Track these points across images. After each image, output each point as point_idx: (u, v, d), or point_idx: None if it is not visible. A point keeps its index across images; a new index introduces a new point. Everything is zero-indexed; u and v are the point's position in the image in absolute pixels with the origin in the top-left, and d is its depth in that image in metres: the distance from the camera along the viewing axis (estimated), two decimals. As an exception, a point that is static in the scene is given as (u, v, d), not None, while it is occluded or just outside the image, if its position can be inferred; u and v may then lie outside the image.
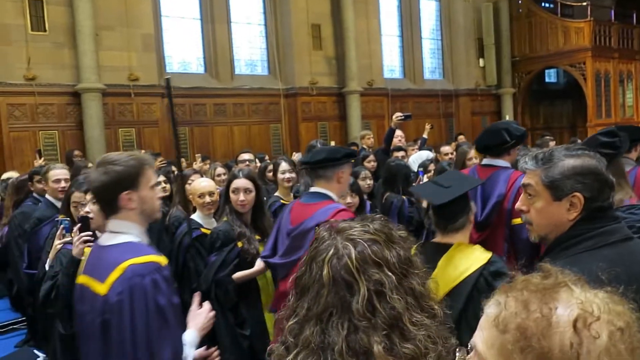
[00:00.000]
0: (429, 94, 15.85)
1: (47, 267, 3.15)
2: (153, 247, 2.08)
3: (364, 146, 7.61)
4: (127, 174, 1.98)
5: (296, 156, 8.39)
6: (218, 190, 3.93)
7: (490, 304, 0.88)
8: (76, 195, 3.47)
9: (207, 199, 3.71)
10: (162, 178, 4.79)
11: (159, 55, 11.65)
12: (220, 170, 5.63)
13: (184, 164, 8.60)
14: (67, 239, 3.09)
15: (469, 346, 0.90)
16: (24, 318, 5.90)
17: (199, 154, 9.90)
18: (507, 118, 16.11)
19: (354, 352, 1.04)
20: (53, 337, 3.36)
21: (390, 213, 4.51)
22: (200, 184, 3.82)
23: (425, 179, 4.69)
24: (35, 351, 4.99)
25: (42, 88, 9.96)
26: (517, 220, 2.92)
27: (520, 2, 16.97)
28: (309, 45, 13.30)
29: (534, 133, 15.36)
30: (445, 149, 6.69)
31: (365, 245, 1.11)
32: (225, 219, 3.40)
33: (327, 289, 1.09)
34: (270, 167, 5.46)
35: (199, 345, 2.09)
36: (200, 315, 2.14)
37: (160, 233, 4.20)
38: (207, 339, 2.23)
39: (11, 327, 5.96)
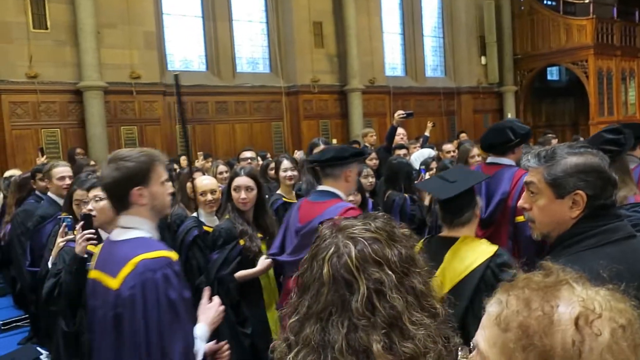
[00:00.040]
0: (431, 91, 15.83)
1: (49, 265, 3.16)
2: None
3: (367, 144, 7.60)
4: (138, 170, 2.00)
5: (298, 154, 8.39)
6: (220, 188, 3.93)
7: (491, 302, 0.88)
8: (78, 193, 3.48)
9: (209, 196, 3.71)
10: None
11: (160, 53, 11.65)
12: (222, 168, 5.63)
13: (185, 162, 8.62)
14: (70, 236, 3.10)
15: (471, 345, 0.90)
16: (26, 315, 5.92)
17: (201, 152, 9.91)
18: (509, 116, 16.09)
19: (353, 350, 1.04)
20: (56, 334, 3.37)
21: (392, 211, 4.51)
22: (202, 182, 3.82)
23: (427, 177, 4.69)
24: (38, 348, 5.02)
25: (44, 86, 9.98)
26: (521, 218, 2.93)
27: (522, -1, 16.97)
28: (311, 42, 13.29)
29: (536, 131, 15.32)
30: (447, 146, 6.68)
31: (366, 243, 1.11)
32: (227, 216, 3.40)
33: (327, 287, 1.09)
34: (272, 165, 5.46)
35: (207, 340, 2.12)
36: (210, 309, 2.17)
37: (162, 231, 4.20)
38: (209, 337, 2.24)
39: (14, 324, 5.98)
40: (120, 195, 2.02)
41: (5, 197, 6.05)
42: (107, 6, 10.43)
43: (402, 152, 6.13)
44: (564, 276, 0.86)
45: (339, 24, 13.55)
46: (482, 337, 0.87)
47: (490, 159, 3.50)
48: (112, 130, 10.60)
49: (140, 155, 2.03)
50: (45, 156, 7.89)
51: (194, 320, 2.06)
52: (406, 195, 4.65)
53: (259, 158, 6.95)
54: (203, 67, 12.63)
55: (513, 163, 3.39)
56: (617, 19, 16.53)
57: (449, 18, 16.60)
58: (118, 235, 2.07)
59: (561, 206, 1.65)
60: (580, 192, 1.62)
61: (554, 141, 7.08)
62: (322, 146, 4.25)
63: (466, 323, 2.09)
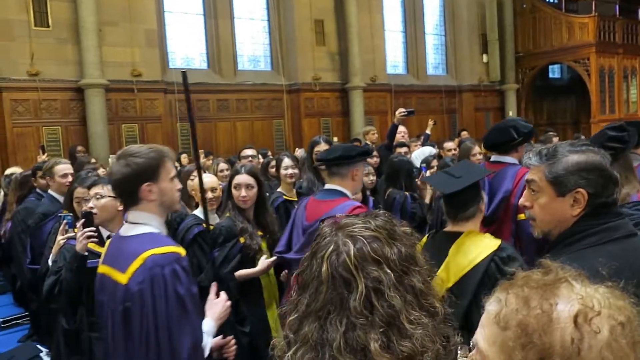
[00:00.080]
0: (432, 89, 15.82)
1: (50, 263, 3.16)
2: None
3: (368, 142, 7.59)
4: (147, 166, 2.02)
5: (299, 152, 8.39)
6: (221, 186, 3.92)
7: (491, 301, 0.88)
8: (79, 191, 3.48)
9: (210, 194, 3.70)
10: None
11: (162, 50, 11.66)
12: (223, 165, 5.63)
13: (185, 160, 8.63)
14: (70, 234, 3.10)
15: (471, 344, 0.90)
16: (27, 313, 5.93)
17: (202, 150, 9.92)
18: (511, 114, 16.09)
19: (351, 349, 1.03)
20: (56, 332, 3.37)
21: (393, 209, 4.51)
22: (204, 180, 3.82)
23: (427, 175, 4.68)
24: (39, 346, 5.03)
25: (46, 84, 9.99)
26: (523, 216, 2.94)
27: (524, -3, 16.94)
28: (312, 40, 13.28)
29: (537, 129, 15.28)
30: (448, 144, 6.66)
31: (365, 242, 1.11)
32: (227, 214, 3.40)
33: (326, 285, 1.09)
34: (273, 162, 5.46)
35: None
36: (217, 304, 2.19)
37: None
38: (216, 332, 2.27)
39: (14, 322, 5.99)
40: (129, 191, 2.04)
41: (6, 195, 6.05)
42: (109, 4, 10.44)
43: (403, 150, 6.12)
44: (562, 274, 0.86)
45: (340, 21, 13.54)
46: (482, 335, 0.87)
47: (493, 158, 3.53)
48: (113, 128, 10.61)
49: (149, 152, 2.05)
50: (46, 154, 7.90)
51: (201, 316, 2.08)
52: (407, 193, 4.65)
53: (259, 156, 6.95)
54: (204, 65, 12.64)
55: (516, 161, 3.41)
56: (619, 16, 16.49)
57: (451, 16, 16.58)
58: (127, 230, 2.09)
59: (562, 204, 1.65)
60: (581, 190, 1.61)
61: (555, 139, 7.07)
62: (323, 144, 4.25)
63: (470, 317, 2.10)
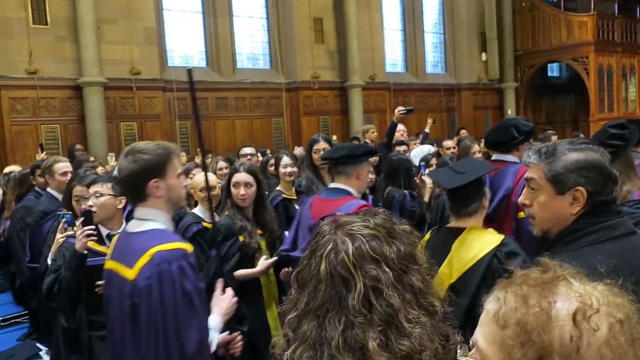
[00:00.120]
0: (431, 88, 15.81)
1: (49, 261, 3.16)
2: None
3: (367, 140, 7.59)
4: (155, 163, 2.03)
5: (298, 150, 8.39)
6: (220, 185, 3.92)
7: (489, 299, 0.88)
8: (78, 189, 3.47)
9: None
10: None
11: (160, 48, 11.64)
12: (222, 164, 5.63)
13: (184, 159, 8.62)
14: (70, 232, 3.10)
15: (471, 343, 0.90)
16: (26, 312, 5.92)
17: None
18: (510, 112, 16.10)
19: (350, 347, 1.03)
20: (56, 330, 3.38)
21: (392, 207, 4.51)
22: (202, 178, 3.82)
23: (426, 173, 4.69)
24: (38, 344, 5.03)
25: (44, 82, 9.97)
26: (524, 214, 2.95)
27: (523, -5, 16.94)
28: (311, 38, 13.27)
29: (536, 127, 15.23)
30: (448, 143, 6.67)
31: (364, 240, 1.10)
32: (226, 213, 3.40)
33: (325, 284, 1.09)
34: (272, 161, 5.46)
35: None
36: (223, 300, 2.22)
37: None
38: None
39: (14, 320, 5.98)
40: (137, 187, 2.05)
41: (4, 193, 6.05)
42: (107, 2, 10.42)
43: (402, 148, 6.13)
44: (561, 272, 0.86)
45: (339, 20, 13.52)
46: (481, 334, 0.87)
47: (494, 156, 3.55)
48: (111, 126, 10.60)
49: (157, 148, 2.06)
50: (45, 152, 7.89)
51: (207, 312, 2.10)
52: (406, 191, 4.65)
53: (258, 154, 6.94)
54: (203, 63, 12.62)
55: (517, 160, 3.42)
56: (618, 15, 16.50)
57: (450, 14, 16.57)
58: (134, 226, 2.11)
59: (561, 202, 1.65)
60: (580, 188, 1.62)
61: (554, 138, 7.08)
62: (322, 142, 4.24)
63: (473, 312, 2.10)
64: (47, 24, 9.99)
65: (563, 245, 1.65)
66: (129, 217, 3.49)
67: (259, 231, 3.41)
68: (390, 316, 1.05)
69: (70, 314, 3.05)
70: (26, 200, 5.06)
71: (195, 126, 2.54)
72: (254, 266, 3.28)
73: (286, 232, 3.86)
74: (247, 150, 6.06)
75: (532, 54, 16.84)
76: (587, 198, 1.62)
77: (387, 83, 14.63)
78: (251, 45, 13.30)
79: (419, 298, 1.10)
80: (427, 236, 2.60)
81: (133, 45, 10.87)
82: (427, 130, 8.39)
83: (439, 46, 16.78)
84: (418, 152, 6.49)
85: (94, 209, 2.88)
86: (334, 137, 12.08)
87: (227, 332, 2.19)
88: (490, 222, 3.27)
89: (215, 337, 2.07)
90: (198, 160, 8.31)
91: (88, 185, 3.13)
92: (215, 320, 2.12)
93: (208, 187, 2.73)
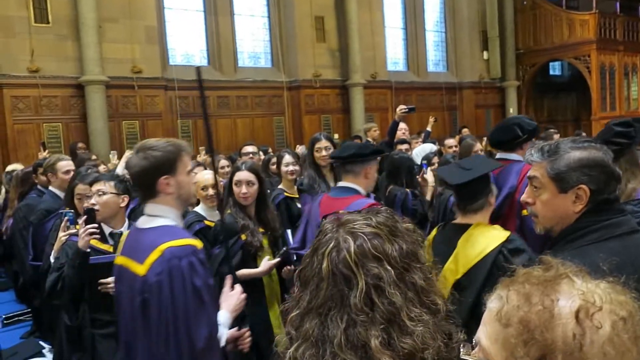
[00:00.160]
0: (433, 86, 15.80)
1: (51, 259, 3.17)
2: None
3: (369, 139, 7.59)
4: (165, 159, 2.05)
5: (299, 149, 8.38)
6: (222, 183, 3.92)
7: (492, 298, 0.88)
8: (80, 188, 3.48)
9: (211, 191, 3.71)
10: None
11: (162, 47, 11.63)
12: (223, 162, 5.63)
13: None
14: (72, 230, 3.11)
15: (474, 341, 0.90)
16: (29, 310, 5.94)
17: (203, 147, 9.90)
18: (511, 111, 16.08)
19: (352, 345, 1.04)
20: (59, 328, 3.38)
21: (394, 206, 4.50)
22: (204, 177, 3.82)
23: (428, 172, 4.68)
24: (41, 342, 5.04)
25: (46, 80, 9.97)
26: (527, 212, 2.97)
27: (525, -6, 16.91)
28: (313, 37, 13.26)
29: (538, 126, 15.28)
30: (449, 141, 6.67)
31: (366, 238, 1.10)
32: (228, 211, 3.40)
33: (327, 282, 1.09)
34: (274, 159, 5.46)
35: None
36: (232, 297, 2.23)
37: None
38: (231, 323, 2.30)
39: (17, 318, 6.00)
40: (147, 183, 2.07)
41: (7, 192, 6.06)
42: (109, 0, 10.41)
43: (404, 147, 6.12)
44: (563, 270, 0.86)
45: (340, 18, 13.51)
46: (484, 333, 0.87)
47: (498, 155, 3.56)
48: (113, 124, 10.60)
49: (167, 145, 2.08)
50: (47, 150, 7.90)
51: (216, 308, 2.12)
52: (408, 190, 4.65)
53: (260, 153, 6.95)
54: (205, 62, 12.61)
55: (521, 159, 3.43)
56: (620, 13, 16.46)
57: (451, 13, 16.55)
58: (144, 223, 2.12)
59: (564, 200, 1.65)
60: (583, 186, 1.61)
61: (556, 136, 7.06)
62: (323, 141, 4.24)
63: (478, 308, 2.10)
64: (48, 23, 9.99)
65: (566, 243, 1.65)
66: (131, 215, 3.51)
67: (261, 230, 3.41)
68: (393, 314, 1.05)
69: (73, 312, 3.06)
70: (29, 198, 5.07)
71: (204, 125, 2.56)
72: (256, 264, 3.29)
73: (288, 231, 3.87)
74: (249, 148, 6.06)
75: (533, 53, 16.81)
76: (590, 196, 1.62)
77: (388, 81, 14.62)
78: (253, 43, 13.29)
79: (422, 296, 1.10)
80: (434, 232, 2.61)
81: (135, 43, 10.87)
82: (428, 128, 8.38)
83: (440, 44, 16.75)
84: (420, 150, 6.48)
85: (96, 207, 2.89)
86: (336, 136, 12.08)
87: (236, 328, 2.21)
88: (495, 219, 3.29)
89: (225, 333, 2.09)
90: (199, 158, 8.32)
91: (90, 184, 3.14)
92: (224, 316, 2.13)
93: (217, 188, 2.73)
